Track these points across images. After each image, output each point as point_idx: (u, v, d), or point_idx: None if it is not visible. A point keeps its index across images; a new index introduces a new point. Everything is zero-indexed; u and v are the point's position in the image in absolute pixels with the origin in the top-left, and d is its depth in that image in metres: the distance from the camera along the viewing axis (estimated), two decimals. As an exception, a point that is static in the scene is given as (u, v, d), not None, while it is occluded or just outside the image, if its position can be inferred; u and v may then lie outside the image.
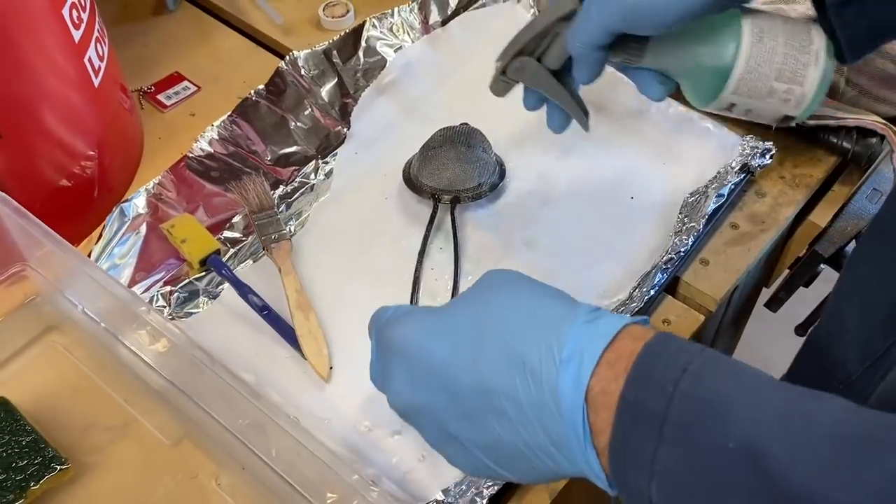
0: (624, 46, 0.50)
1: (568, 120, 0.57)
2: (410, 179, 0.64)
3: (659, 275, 0.57)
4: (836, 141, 0.67)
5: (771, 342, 1.01)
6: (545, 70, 0.53)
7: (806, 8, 0.66)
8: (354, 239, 0.63)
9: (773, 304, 0.77)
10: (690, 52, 0.51)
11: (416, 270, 0.60)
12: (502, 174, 0.65)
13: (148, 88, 0.75)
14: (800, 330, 0.84)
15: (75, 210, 0.63)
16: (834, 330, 0.60)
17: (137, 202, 0.63)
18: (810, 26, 0.51)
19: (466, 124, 0.65)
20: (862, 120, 0.66)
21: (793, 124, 0.55)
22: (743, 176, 0.64)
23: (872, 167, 0.69)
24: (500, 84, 0.56)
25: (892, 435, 0.30)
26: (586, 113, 0.55)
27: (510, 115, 0.67)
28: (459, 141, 0.64)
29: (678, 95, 0.70)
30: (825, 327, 0.62)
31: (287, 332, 0.57)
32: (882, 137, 0.66)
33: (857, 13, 0.47)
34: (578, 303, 0.39)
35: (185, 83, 0.76)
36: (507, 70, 0.54)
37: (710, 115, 0.69)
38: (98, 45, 0.62)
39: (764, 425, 0.31)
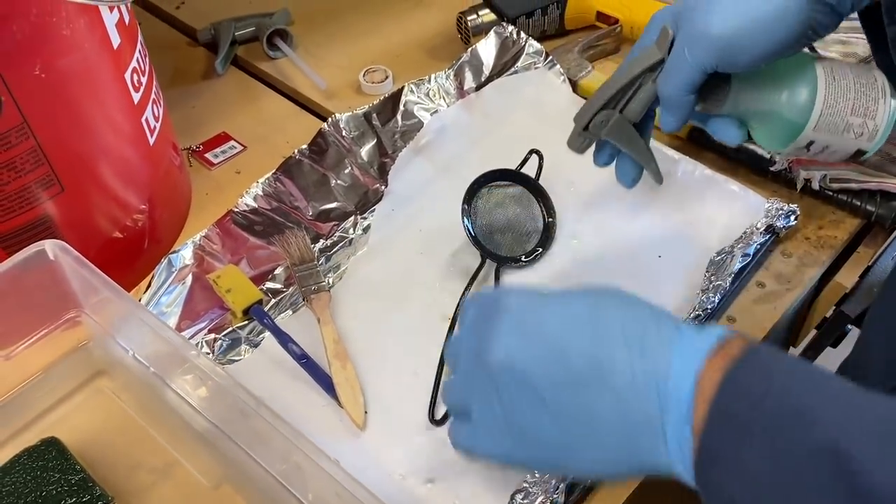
0: (707, 95, 0.53)
1: (639, 173, 0.59)
2: (470, 229, 0.66)
3: (686, 331, 0.59)
4: (859, 204, 0.69)
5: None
6: (628, 123, 0.55)
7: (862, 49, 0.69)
8: (390, 292, 0.66)
9: (801, 363, 0.78)
10: (769, 94, 0.54)
11: (452, 319, 0.62)
12: (550, 240, 0.68)
13: (196, 147, 0.79)
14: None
15: (126, 260, 0.67)
16: (860, 361, 0.61)
17: (184, 254, 0.66)
18: (871, 65, 0.54)
19: (537, 181, 0.69)
20: (885, 183, 0.68)
21: (863, 159, 0.57)
22: (768, 236, 0.66)
23: (898, 230, 0.70)
24: (580, 140, 0.57)
25: None
26: (657, 165, 0.57)
27: (543, 175, 0.71)
28: (525, 199, 0.68)
29: (703, 157, 0.73)
30: (852, 360, 0.63)
31: (324, 381, 0.59)
32: (905, 200, 0.68)
33: None
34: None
35: (232, 142, 0.80)
36: (589, 125, 0.56)
37: (735, 177, 0.71)
38: (154, 106, 0.66)
39: (846, 427, 0.33)
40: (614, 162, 0.61)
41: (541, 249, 0.67)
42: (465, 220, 0.66)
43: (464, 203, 0.66)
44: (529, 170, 0.70)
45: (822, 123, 0.54)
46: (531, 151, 0.70)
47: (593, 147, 0.60)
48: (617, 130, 0.56)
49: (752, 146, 0.73)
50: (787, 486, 0.33)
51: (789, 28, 0.49)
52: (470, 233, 0.66)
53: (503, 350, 0.42)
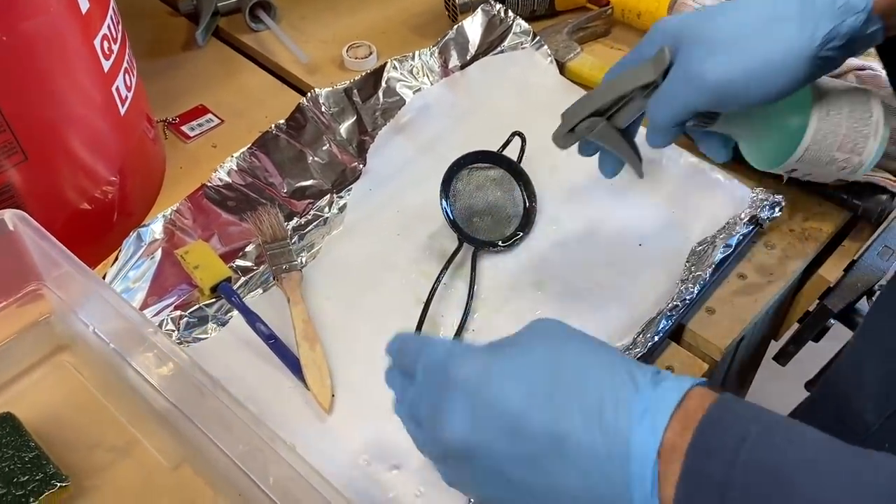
0: (698, 114, 0.52)
1: (621, 166, 0.59)
2: (448, 212, 0.65)
3: (664, 321, 0.58)
4: (846, 197, 0.68)
5: (780, 396, 1.00)
6: (614, 129, 0.55)
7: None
8: (364, 273, 0.64)
9: (782, 357, 0.77)
10: (760, 123, 0.54)
11: (426, 303, 0.61)
12: (530, 225, 0.66)
13: (173, 119, 0.77)
14: (810, 385, 0.83)
15: (94, 233, 0.65)
16: (852, 381, 0.60)
17: (154, 227, 0.64)
18: (870, 97, 0.53)
19: (518, 165, 0.67)
20: (873, 177, 0.66)
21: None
22: (752, 227, 0.64)
23: (884, 225, 0.69)
24: (565, 139, 0.58)
25: None
26: (640, 159, 0.57)
27: (526, 159, 0.69)
28: (506, 182, 0.67)
29: (689, 145, 0.71)
30: (843, 378, 0.62)
31: (292, 363, 0.58)
32: (893, 195, 0.67)
33: None
34: (639, 363, 0.39)
35: (209, 116, 0.78)
36: (576, 128, 0.56)
37: (720, 166, 0.69)
38: (126, 75, 0.64)
39: (823, 493, 0.32)
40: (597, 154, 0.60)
41: (520, 234, 0.66)
42: (444, 202, 0.64)
43: (442, 185, 0.65)
44: (511, 152, 0.69)
45: (808, 157, 0.54)
46: (514, 134, 0.69)
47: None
48: (602, 136, 0.56)
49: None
50: None
51: (788, 79, 0.47)
52: (448, 216, 0.64)
53: (458, 432, 0.39)
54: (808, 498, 0.32)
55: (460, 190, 0.66)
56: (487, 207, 0.67)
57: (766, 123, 0.54)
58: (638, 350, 0.57)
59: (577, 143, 0.58)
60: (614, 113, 0.54)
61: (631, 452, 0.36)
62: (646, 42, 0.53)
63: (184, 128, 0.76)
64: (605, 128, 0.55)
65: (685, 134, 0.55)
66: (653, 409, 0.36)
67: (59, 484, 0.49)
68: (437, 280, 0.62)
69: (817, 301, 0.70)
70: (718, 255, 0.61)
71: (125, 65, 0.64)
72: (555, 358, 0.39)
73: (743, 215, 0.65)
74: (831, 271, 0.68)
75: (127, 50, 0.65)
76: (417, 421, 0.43)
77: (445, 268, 0.63)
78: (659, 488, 0.35)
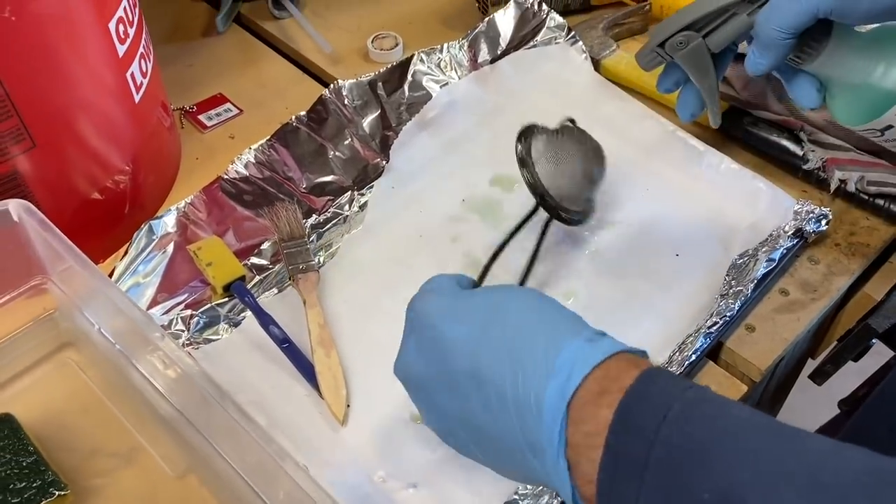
0: (801, 44, 0.48)
1: (700, 108, 0.55)
2: (525, 161, 0.58)
3: (702, 339, 0.54)
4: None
5: (814, 414, 0.97)
6: (707, 51, 0.50)
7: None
8: (383, 276, 0.61)
9: (819, 376, 0.74)
10: (866, 62, 0.49)
11: (488, 262, 0.57)
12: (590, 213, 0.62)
13: (190, 108, 0.74)
14: (843, 404, 0.80)
15: (105, 224, 0.62)
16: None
17: (167, 220, 0.61)
18: None
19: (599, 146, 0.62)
20: (927, 190, 0.63)
21: None
22: (796, 241, 0.61)
23: (934, 241, 0.65)
24: (650, 56, 0.53)
25: (856, 479, 0.30)
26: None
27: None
28: (592, 156, 0.61)
29: (730, 150, 0.68)
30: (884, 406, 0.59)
31: (306, 368, 0.55)
32: (947, 210, 0.63)
33: None
34: (587, 325, 0.40)
35: (228, 105, 0.75)
36: (666, 43, 0.51)
37: (763, 173, 0.66)
38: (142, 61, 0.61)
39: (740, 474, 0.32)
40: (677, 91, 0.57)
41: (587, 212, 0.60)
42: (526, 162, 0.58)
43: (521, 145, 0.58)
44: None
45: None
46: (566, 120, 0.63)
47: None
48: (693, 56, 0.51)
49: (783, 140, 0.67)
50: None
51: None
52: (530, 178, 0.58)
53: (402, 363, 0.45)
54: (723, 478, 0.32)
55: (541, 153, 0.60)
56: (571, 170, 0.60)
57: (872, 68, 0.49)
58: (674, 369, 0.53)
59: (659, 69, 0.54)
60: (711, 31, 0.50)
61: (543, 406, 0.37)
62: None
63: (201, 117, 0.74)
64: (698, 46, 0.50)
65: (775, 75, 0.51)
66: (571, 365, 0.37)
67: (57, 493, 0.46)
68: (509, 237, 0.58)
69: (860, 320, 0.67)
70: (761, 270, 0.58)
71: (141, 49, 0.61)
72: (497, 307, 0.42)
73: (787, 228, 0.61)
74: (876, 289, 0.64)
75: (144, 34, 0.62)
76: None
77: (522, 224, 0.59)
78: (575, 475, 0.36)
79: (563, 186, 0.59)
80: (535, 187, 0.58)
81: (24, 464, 0.47)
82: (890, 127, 0.51)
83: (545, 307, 0.41)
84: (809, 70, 0.50)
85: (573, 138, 0.62)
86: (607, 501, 0.35)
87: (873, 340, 0.68)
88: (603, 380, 0.36)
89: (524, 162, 0.58)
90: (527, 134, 0.59)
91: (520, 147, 0.58)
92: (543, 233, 0.59)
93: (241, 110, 0.75)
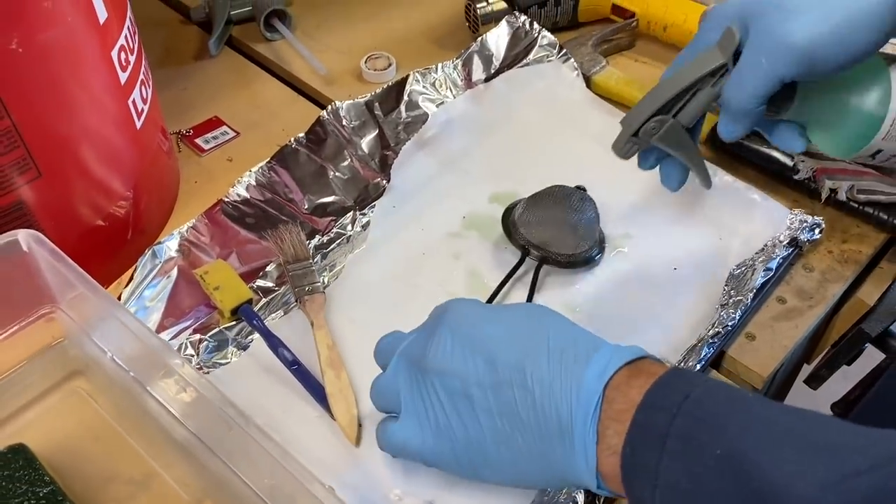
0: (771, 100, 0.49)
1: (686, 176, 0.57)
2: (508, 225, 0.64)
3: (706, 349, 0.55)
4: (886, 217, 0.66)
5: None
6: (681, 127, 0.52)
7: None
8: (389, 295, 0.62)
9: (814, 381, 0.75)
10: (839, 101, 0.51)
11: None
12: (601, 250, 0.64)
13: (186, 132, 0.75)
14: (835, 407, 0.81)
15: (108, 250, 0.62)
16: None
17: (170, 245, 0.61)
18: None
19: (583, 189, 0.64)
20: (914, 197, 0.64)
21: None
22: (791, 250, 0.62)
23: (923, 246, 0.67)
24: (627, 146, 0.54)
25: (854, 442, 0.35)
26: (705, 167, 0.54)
27: (553, 176, 0.67)
28: (570, 204, 0.63)
29: (723, 162, 0.69)
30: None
31: (316, 390, 0.55)
32: (934, 216, 0.65)
33: None
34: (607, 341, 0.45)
35: (224, 128, 0.75)
36: (640, 131, 0.52)
37: (755, 184, 0.67)
38: (143, 87, 0.61)
39: (748, 434, 0.36)
40: (658, 167, 0.58)
41: (596, 253, 0.63)
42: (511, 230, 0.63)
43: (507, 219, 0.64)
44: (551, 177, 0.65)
45: (895, 131, 0.51)
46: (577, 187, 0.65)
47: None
48: (670, 137, 0.52)
49: (774, 152, 0.69)
50: (698, 493, 0.36)
51: (873, 32, 0.46)
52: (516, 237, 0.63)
53: (435, 356, 0.46)
54: (734, 440, 0.36)
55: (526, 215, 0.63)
56: (555, 222, 0.63)
57: (845, 103, 0.51)
58: (679, 379, 0.54)
59: (637, 156, 0.55)
60: (679, 110, 0.51)
61: (583, 384, 0.41)
62: (703, 31, 0.51)
63: (198, 140, 0.74)
64: (672, 126, 0.51)
65: (752, 132, 0.52)
66: (608, 357, 0.42)
67: (75, 522, 0.46)
68: (498, 288, 0.61)
69: (853, 325, 0.68)
70: (759, 279, 0.59)
71: (141, 76, 0.61)
72: (533, 316, 0.46)
73: (782, 237, 0.63)
74: (869, 294, 0.66)
75: (143, 61, 0.62)
76: (400, 357, 0.48)
77: (509, 276, 0.61)
78: (605, 439, 0.40)
79: (551, 236, 0.62)
80: (521, 246, 0.62)
81: (41, 494, 0.47)
82: (879, 151, 0.52)
83: (569, 321, 0.46)
84: (786, 119, 0.51)
85: (552, 195, 0.64)
86: (631, 467, 0.39)
87: (866, 345, 0.70)
88: (634, 370, 0.41)
89: (508, 232, 0.63)
90: (506, 212, 0.64)
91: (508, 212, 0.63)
92: (535, 277, 0.61)
93: (237, 133, 0.75)
